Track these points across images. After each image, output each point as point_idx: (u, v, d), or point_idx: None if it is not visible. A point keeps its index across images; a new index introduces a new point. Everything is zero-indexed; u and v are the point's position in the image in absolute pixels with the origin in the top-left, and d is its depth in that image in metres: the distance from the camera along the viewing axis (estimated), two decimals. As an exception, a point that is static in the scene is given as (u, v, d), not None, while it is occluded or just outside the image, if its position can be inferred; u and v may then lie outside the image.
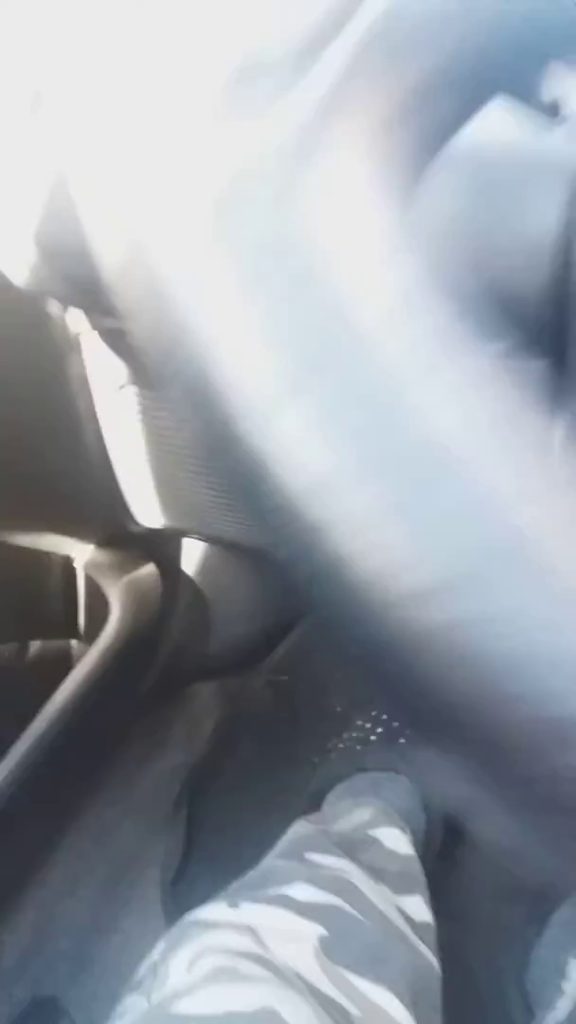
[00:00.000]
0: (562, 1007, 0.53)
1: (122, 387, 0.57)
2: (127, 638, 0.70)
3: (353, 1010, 0.46)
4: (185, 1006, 0.46)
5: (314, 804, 0.75)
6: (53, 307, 0.53)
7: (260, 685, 0.84)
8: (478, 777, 0.12)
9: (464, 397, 0.12)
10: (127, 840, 0.78)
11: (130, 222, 0.14)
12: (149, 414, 0.58)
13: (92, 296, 0.51)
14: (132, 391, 0.57)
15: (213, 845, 0.75)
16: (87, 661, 0.65)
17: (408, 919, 0.56)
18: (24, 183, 0.41)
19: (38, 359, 0.57)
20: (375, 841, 0.64)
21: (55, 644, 0.73)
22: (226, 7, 0.14)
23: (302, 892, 0.54)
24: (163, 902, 0.76)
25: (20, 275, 0.44)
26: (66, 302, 0.50)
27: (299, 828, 0.67)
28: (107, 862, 0.76)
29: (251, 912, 0.53)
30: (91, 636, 0.72)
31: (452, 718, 0.11)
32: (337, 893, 0.55)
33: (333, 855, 0.60)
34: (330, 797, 0.76)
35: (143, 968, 0.54)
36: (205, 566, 0.77)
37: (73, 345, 0.56)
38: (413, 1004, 0.49)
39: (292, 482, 0.12)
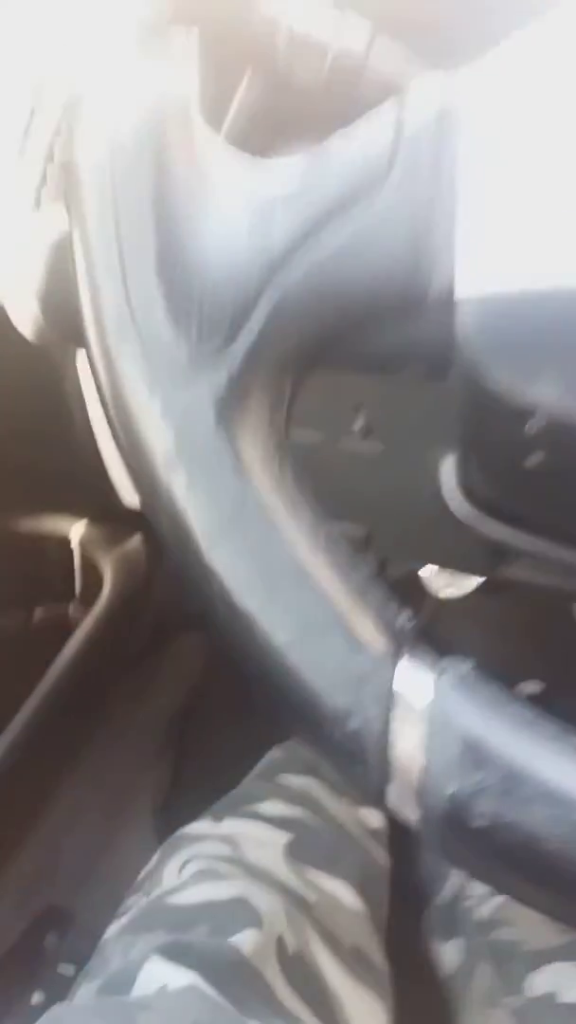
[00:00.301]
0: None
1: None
2: (119, 602, 0.81)
3: (311, 897, 0.59)
4: (175, 899, 0.58)
5: (287, 734, 0.87)
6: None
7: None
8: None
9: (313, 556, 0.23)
10: (122, 772, 0.89)
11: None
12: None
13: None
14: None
15: (198, 774, 0.87)
16: (85, 624, 0.76)
17: (363, 825, 0.69)
18: (29, 246, 0.50)
19: (39, 368, 0.66)
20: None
21: (55, 609, 0.84)
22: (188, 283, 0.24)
23: (273, 808, 0.67)
24: (154, 824, 0.88)
25: (26, 329, 0.53)
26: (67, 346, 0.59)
27: (273, 753, 0.79)
28: (105, 792, 0.88)
29: (230, 825, 0.65)
30: (86, 601, 0.83)
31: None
32: (302, 807, 0.67)
33: (301, 775, 0.72)
34: None
35: (143, 874, 0.66)
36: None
37: (71, 358, 0.65)
38: (362, 892, 0.62)
39: (228, 582, 0.23)
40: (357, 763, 0.22)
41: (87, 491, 0.77)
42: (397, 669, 0.22)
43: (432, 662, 0.22)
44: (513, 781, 0.21)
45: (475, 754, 0.21)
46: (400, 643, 0.23)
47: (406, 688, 0.22)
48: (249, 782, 0.74)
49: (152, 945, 0.51)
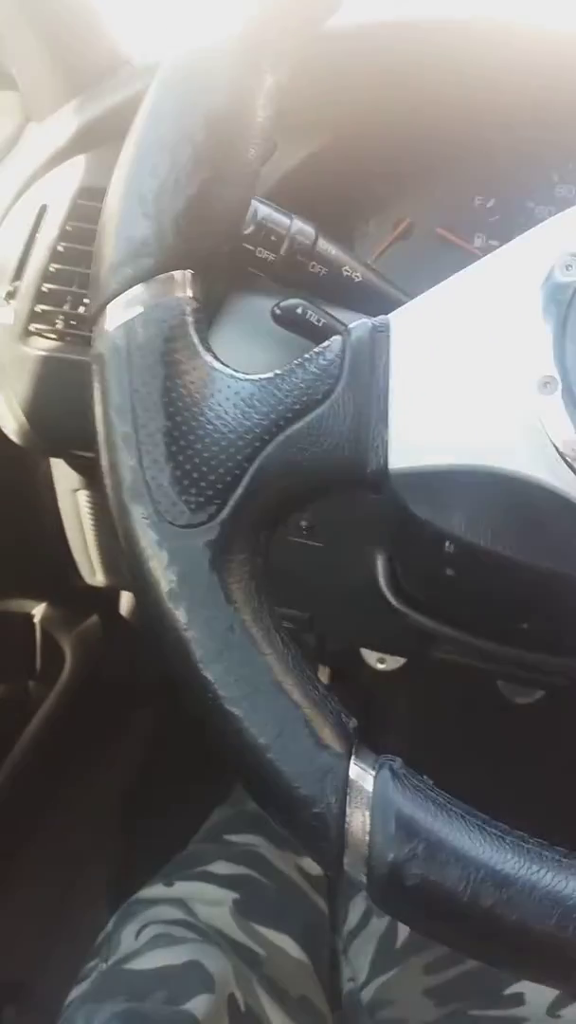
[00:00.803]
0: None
1: (76, 490, 0.73)
2: (79, 679, 0.85)
3: (260, 951, 0.64)
4: (133, 965, 0.62)
5: (230, 789, 0.90)
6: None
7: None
8: None
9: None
10: (78, 844, 0.92)
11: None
12: (95, 507, 0.74)
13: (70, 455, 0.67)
14: (83, 493, 0.73)
15: (152, 840, 0.91)
16: (49, 701, 0.81)
17: (306, 875, 0.74)
18: (18, 367, 0.56)
19: (13, 464, 0.72)
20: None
21: (14, 686, 0.88)
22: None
23: (221, 868, 0.71)
24: (108, 893, 0.91)
25: (12, 433, 0.59)
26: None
27: (219, 813, 0.83)
28: (62, 863, 0.91)
29: (181, 888, 0.69)
30: (45, 678, 0.87)
31: None
32: (248, 865, 0.72)
33: (246, 833, 0.76)
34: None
35: (100, 939, 0.70)
36: (136, 612, 0.93)
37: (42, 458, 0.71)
38: (305, 944, 0.67)
39: (220, 691, 0.29)
40: (321, 838, 0.28)
41: (49, 574, 0.82)
42: (350, 765, 0.29)
43: (372, 760, 0.29)
44: (434, 849, 0.27)
45: (407, 830, 0.28)
46: (351, 744, 0.29)
47: (356, 780, 0.28)
48: (197, 844, 0.78)
49: (113, 1013, 0.55)
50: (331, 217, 0.54)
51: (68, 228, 0.52)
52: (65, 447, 0.62)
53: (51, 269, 0.53)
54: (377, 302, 0.47)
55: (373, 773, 0.29)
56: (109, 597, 0.92)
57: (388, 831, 0.28)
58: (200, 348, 0.32)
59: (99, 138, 0.52)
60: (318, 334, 0.47)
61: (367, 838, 0.28)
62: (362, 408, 0.31)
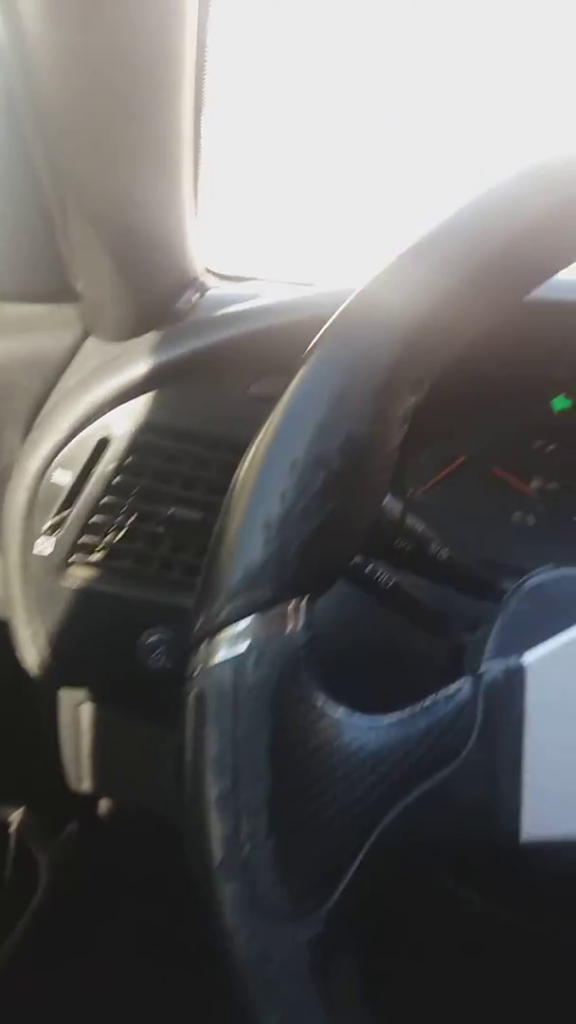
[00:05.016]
0: None
1: (79, 704, 0.68)
2: (52, 902, 0.77)
3: None
4: None
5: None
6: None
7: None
8: None
9: None
10: None
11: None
12: (97, 721, 0.69)
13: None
14: (87, 706, 0.68)
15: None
16: (20, 927, 0.73)
17: None
18: (49, 599, 0.52)
19: (20, 688, 0.66)
20: None
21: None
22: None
23: None
24: None
25: (32, 667, 0.55)
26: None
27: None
28: None
29: None
30: (15, 896, 0.79)
31: None
32: None
33: None
34: None
35: None
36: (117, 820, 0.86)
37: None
38: None
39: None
40: None
41: (35, 780, 0.76)
42: None
43: None
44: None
45: None
46: None
47: None
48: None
49: None
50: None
51: (126, 463, 0.50)
52: (83, 678, 0.57)
53: (103, 501, 0.50)
54: (461, 581, 0.45)
55: None
56: (90, 802, 0.85)
57: None
58: (313, 689, 0.28)
59: (166, 379, 0.50)
60: (383, 595, 0.45)
61: None
62: (494, 768, 0.27)
